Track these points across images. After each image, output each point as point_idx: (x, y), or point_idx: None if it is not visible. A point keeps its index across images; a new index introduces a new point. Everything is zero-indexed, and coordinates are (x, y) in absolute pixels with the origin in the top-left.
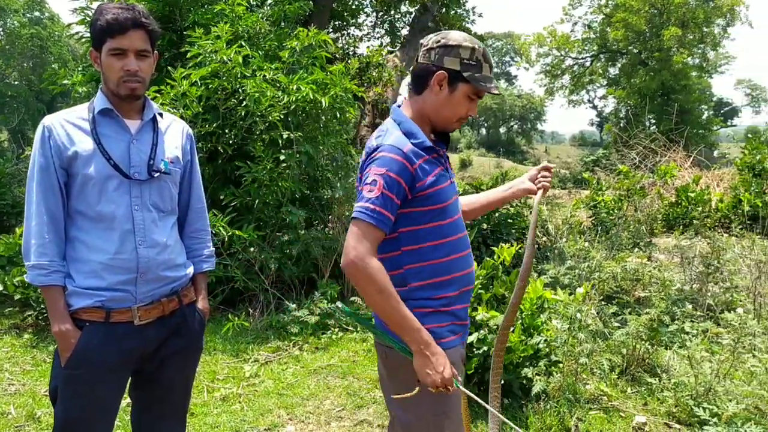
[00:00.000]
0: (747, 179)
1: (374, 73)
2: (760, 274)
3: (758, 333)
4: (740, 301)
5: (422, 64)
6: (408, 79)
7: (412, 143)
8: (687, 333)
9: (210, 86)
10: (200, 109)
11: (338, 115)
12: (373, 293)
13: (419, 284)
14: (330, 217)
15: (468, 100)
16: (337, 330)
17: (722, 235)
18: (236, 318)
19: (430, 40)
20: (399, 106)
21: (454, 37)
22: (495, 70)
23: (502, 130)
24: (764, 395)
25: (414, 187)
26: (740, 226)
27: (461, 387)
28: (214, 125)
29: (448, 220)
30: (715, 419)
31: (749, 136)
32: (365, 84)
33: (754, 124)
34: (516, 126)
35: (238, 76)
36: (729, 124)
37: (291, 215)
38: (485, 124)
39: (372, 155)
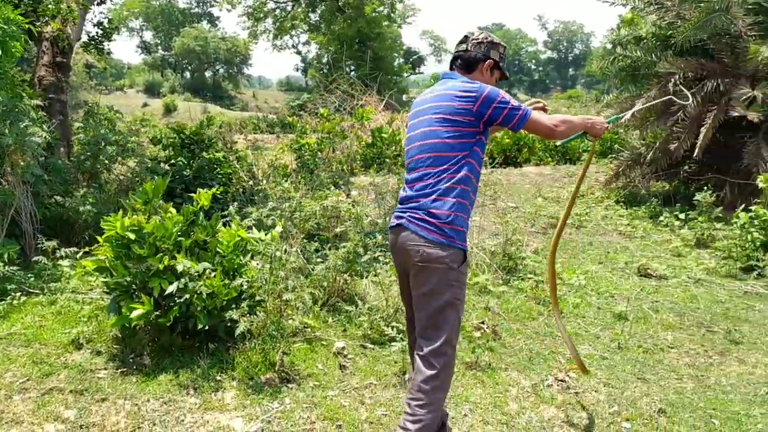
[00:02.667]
0: None
1: (51, 6)
2: None
3: None
4: None
5: (474, 53)
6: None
7: None
8: (379, 262)
9: None
10: None
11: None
12: (566, 131)
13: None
14: (5, 169)
15: (494, 82)
16: (19, 294)
17: None
18: None
19: (480, 35)
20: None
21: (495, 37)
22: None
23: (207, 74)
24: None
25: None
26: None
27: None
28: None
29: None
30: (401, 335)
31: (432, 82)
32: (41, 18)
33: (437, 72)
34: (222, 70)
35: None
36: (417, 71)
37: None
38: (189, 67)
39: (477, 94)
